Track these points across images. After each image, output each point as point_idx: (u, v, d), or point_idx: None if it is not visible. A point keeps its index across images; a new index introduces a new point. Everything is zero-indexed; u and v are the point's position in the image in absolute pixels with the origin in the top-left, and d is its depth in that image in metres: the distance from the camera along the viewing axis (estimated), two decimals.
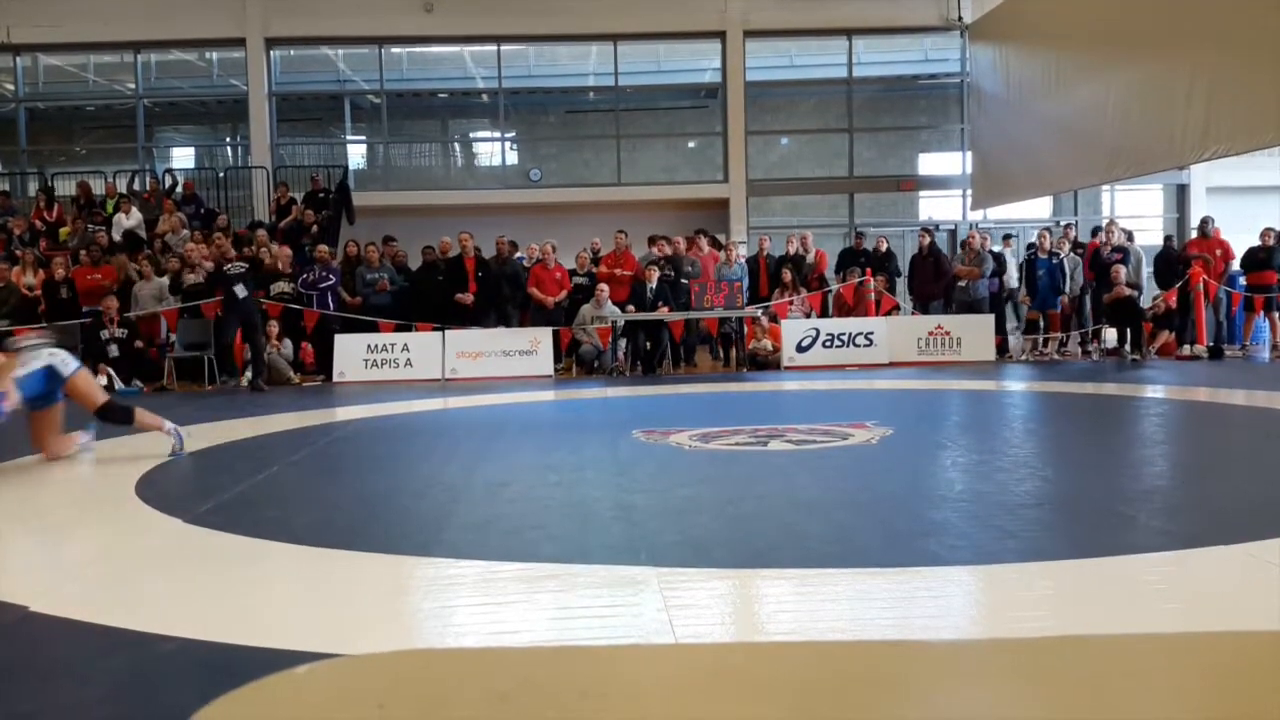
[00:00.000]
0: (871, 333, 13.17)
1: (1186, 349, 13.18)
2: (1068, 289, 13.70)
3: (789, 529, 3.98)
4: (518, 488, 5.03)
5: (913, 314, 14.11)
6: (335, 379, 12.57)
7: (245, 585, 3.41)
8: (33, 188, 17.93)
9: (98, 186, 17.00)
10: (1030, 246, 14.63)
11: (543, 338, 12.83)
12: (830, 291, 14.22)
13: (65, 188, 17.54)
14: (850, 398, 9.62)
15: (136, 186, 17.50)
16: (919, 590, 3.10)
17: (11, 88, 19.47)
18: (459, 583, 3.33)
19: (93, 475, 5.97)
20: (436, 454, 6.47)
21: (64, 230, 15.71)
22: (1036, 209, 19.89)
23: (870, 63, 20.19)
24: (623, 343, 12.91)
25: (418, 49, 20.04)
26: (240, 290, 11.51)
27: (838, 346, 13.06)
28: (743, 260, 14.31)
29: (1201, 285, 12.93)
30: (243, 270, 11.79)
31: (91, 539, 4.23)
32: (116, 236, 14.92)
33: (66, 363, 6.12)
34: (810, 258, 14.56)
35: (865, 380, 11.16)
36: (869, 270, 14.04)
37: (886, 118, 20.49)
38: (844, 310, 13.89)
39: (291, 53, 19.67)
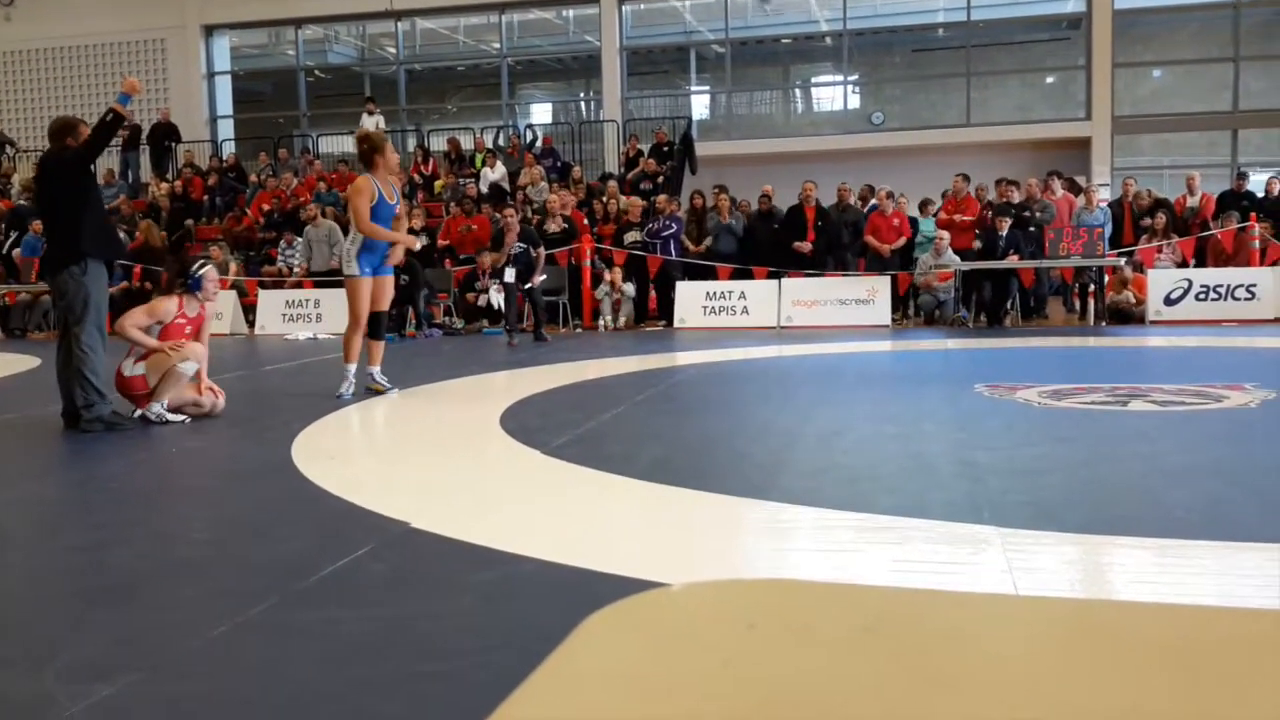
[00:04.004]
0: (1254, 285, 11.83)
1: None
2: None
3: (1150, 496, 3.69)
4: (853, 438, 5.00)
5: None
6: (676, 325, 13.00)
7: (594, 516, 3.63)
8: (411, 144, 19.74)
9: (467, 142, 18.45)
10: None
11: (880, 287, 12.58)
12: (1207, 238, 12.88)
13: (438, 143, 19.16)
14: (1226, 356, 8.72)
15: (501, 141, 18.82)
16: None
17: (393, 51, 21.47)
18: (794, 528, 3.37)
19: (462, 408, 6.55)
20: (772, 400, 6.55)
21: (438, 183, 17.22)
22: None
23: None
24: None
25: None
26: (511, 273, 11.27)
27: (1213, 300, 11.85)
28: (1105, 204, 13.25)
29: None
30: (522, 249, 11.32)
31: (462, 466, 4.66)
32: (483, 189, 16.16)
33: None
34: (1195, 200, 13.22)
35: (1245, 337, 10.05)
36: (1253, 215, 12.58)
37: None
38: (1222, 259, 12.54)
39: (641, 6, 20.27)
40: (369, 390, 6.82)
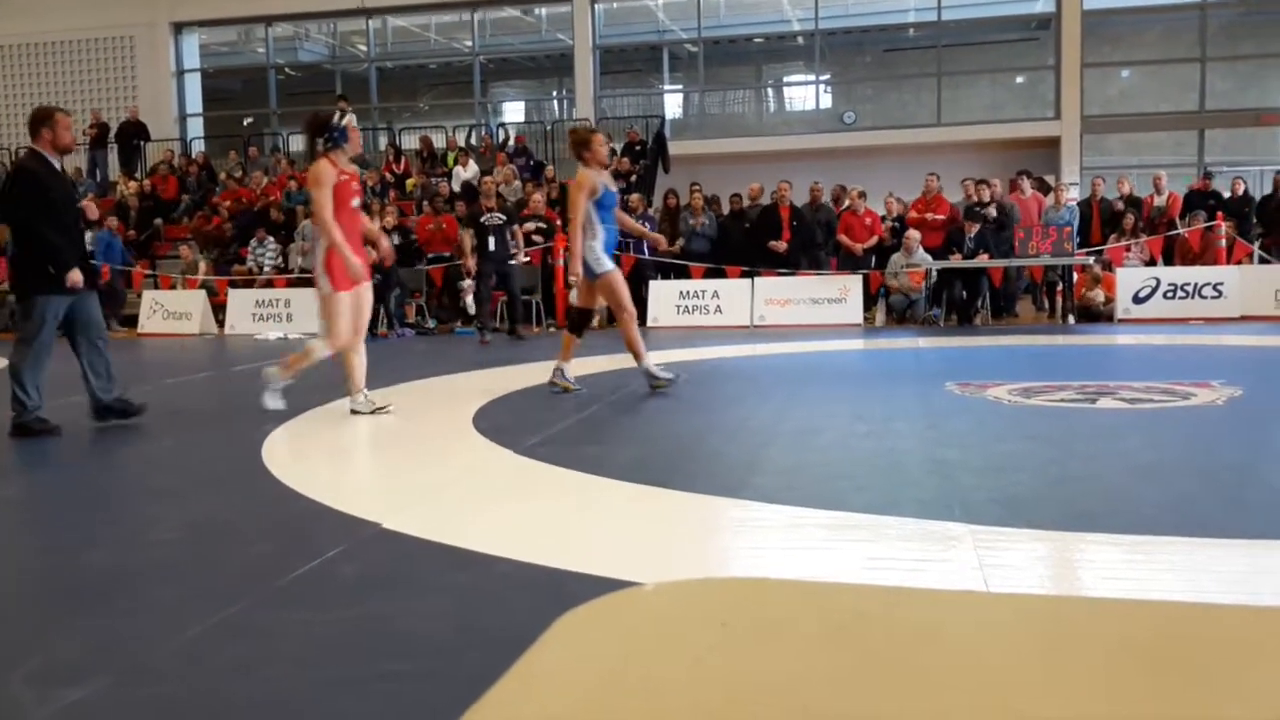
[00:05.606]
0: (1221, 283, 11.96)
1: None
2: None
3: (1119, 492, 3.73)
4: (827, 436, 5.02)
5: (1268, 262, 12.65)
6: (649, 324, 12.99)
7: (569, 516, 3.62)
8: (383, 142, 19.62)
9: (439, 140, 18.37)
10: None
11: (852, 285, 12.63)
12: (1174, 237, 13.02)
13: (410, 142, 19.07)
14: (1194, 354, 8.82)
15: (473, 140, 18.75)
16: (1271, 565, 2.81)
17: (364, 48, 21.36)
18: (767, 526, 3.38)
19: (435, 408, 6.53)
20: (746, 399, 6.56)
21: (410, 182, 17.14)
22: None
23: None
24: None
25: None
26: (492, 241, 11.49)
27: (1181, 298, 11.97)
28: (1073, 204, 13.37)
29: None
30: (501, 221, 11.72)
31: (434, 466, 4.64)
32: (456, 188, 16.09)
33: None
34: (1162, 200, 13.37)
35: (1212, 335, 10.17)
36: (1219, 214, 12.73)
37: (1246, 44, 18.36)
38: (1189, 258, 12.69)
39: (614, 5, 20.27)
40: (552, 385, 6.64)
